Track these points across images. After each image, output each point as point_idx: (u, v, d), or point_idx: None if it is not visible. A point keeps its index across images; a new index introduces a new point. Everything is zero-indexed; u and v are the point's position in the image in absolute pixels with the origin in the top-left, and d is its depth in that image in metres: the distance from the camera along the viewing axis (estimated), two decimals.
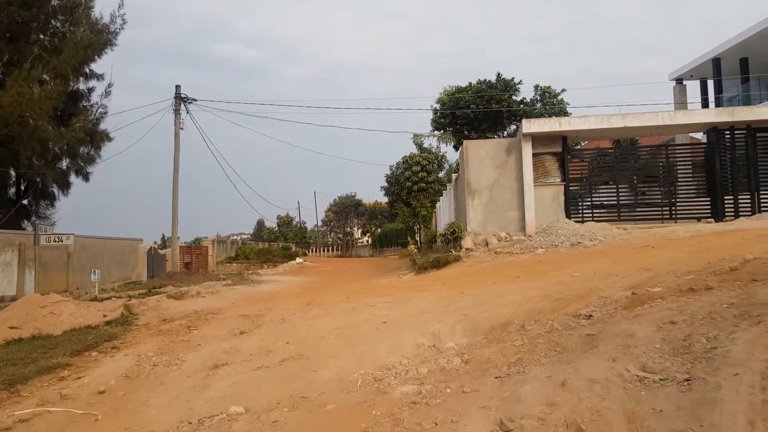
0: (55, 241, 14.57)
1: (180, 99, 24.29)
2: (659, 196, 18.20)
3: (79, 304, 10.55)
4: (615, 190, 18.02)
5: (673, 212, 17.63)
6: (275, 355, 6.20)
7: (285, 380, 5.23)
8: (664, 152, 18.84)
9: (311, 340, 6.68)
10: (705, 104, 26.61)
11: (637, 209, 18.07)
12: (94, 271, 15.07)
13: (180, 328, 9.05)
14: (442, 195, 29.99)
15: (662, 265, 7.85)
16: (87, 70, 22.64)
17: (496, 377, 4.34)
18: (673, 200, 17.83)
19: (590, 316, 5.54)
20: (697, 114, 17.92)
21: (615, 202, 17.89)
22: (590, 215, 17.53)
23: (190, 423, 4.43)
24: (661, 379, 3.55)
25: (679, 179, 18.16)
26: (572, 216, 17.16)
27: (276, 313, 9.44)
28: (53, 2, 20.42)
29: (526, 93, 32.05)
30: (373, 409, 4.17)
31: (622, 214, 17.65)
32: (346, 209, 57.32)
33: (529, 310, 6.47)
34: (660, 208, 17.82)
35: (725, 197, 17.03)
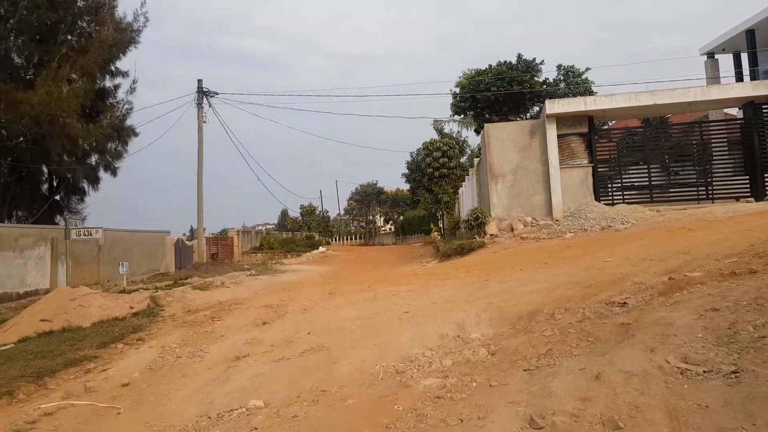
0: (84, 235, 14.90)
1: (202, 93, 24.47)
2: (693, 176, 17.53)
3: (107, 297, 10.68)
4: (646, 171, 17.39)
5: (710, 192, 16.94)
6: (296, 347, 6.09)
7: (305, 373, 5.11)
8: (698, 129, 18.08)
9: (332, 331, 6.54)
10: (739, 78, 25.52)
11: (671, 190, 17.42)
12: (122, 264, 15.32)
13: (204, 319, 9.05)
14: (464, 180, 29.61)
15: (700, 247, 7.43)
16: (113, 68, 23.29)
17: (525, 370, 4.13)
18: (709, 179, 17.10)
19: (624, 303, 5.24)
20: (732, 88, 17.10)
21: (647, 183, 17.27)
22: (621, 197, 17.01)
23: (210, 417, 4.35)
24: (705, 372, 3.29)
25: (714, 157, 17.43)
26: (602, 198, 16.67)
27: (298, 302, 9.35)
28: (79, 3, 20.85)
29: (548, 73, 31.61)
30: (395, 403, 4.01)
31: (654, 195, 17.07)
32: (368, 197, 57.19)
33: (558, 297, 6.18)
34: (695, 189, 17.17)
35: (765, 175, 16.32)
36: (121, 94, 24.03)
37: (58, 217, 22.25)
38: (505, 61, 30.33)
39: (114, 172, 23.68)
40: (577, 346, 4.37)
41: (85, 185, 23.78)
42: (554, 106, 16.71)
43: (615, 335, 4.32)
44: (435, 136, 35.86)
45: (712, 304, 4.30)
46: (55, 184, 22.86)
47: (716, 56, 27.10)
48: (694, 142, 17.83)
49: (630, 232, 12.64)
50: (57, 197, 23.03)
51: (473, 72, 31.10)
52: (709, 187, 17.03)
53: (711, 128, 18.10)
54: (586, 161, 16.86)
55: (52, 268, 15.23)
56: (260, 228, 64.20)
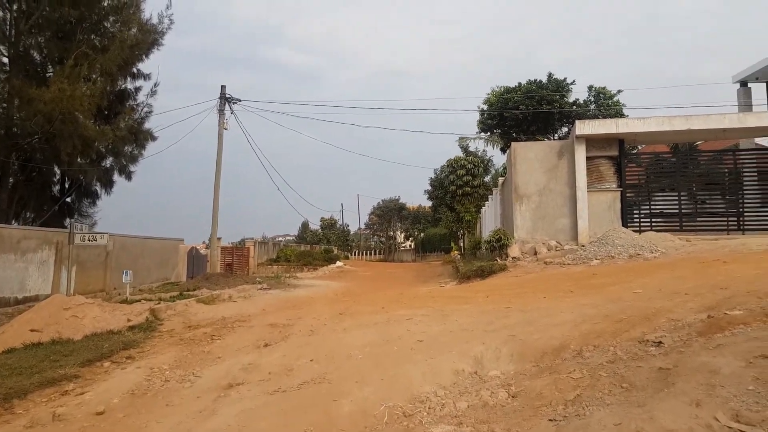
0: (89, 240, 14.47)
1: (225, 99, 24.04)
2: (722, 205, 16.74)
3: (104, 308, 10.18)
4: (676, 198, 16.66)
5: (741, 223, 16.19)
6: (295, 376, 5.56)
7: (300, 410, 4.56)
8: (731, 158, 17.28)
9: (337, 359, 6.00)
10: None
11: (698, 219, 16.67)
12: (126, 272, 14.78)
13: (203, 336, 8.56)
14: (487, 200, 29.03)
15: (739, 283, 6.81)
16: (134, 70, 22.98)
17: (550, 420, 3.58)
18: (741, 210, 16.34)
19: (660, 342, 4.67)
20: None
21: (676, 211, 16.54)
22: (648, 224, 16.28)
23: None
24: None
25: (745, 187, 16.64)
26: (629, 225, 15.97)
27: (306, 322, 8.84)
28: (104, 2, 20.66)
29: (579, 94, 30.88)
30: None
31: (684, 224, 16.31)
32: (389, 213, 56.93)
33: (586, 332, 5.60)
34: (725, 218, 16.40)
35: None
36: (141, 96, 23.81)
37: (68, 220, 21.94)
38: (536, 80, 29.80)
39: (129, 176, 23.37)
40: (609, 392, 3.84)
41: (98, 188, 23.46)
42: (584, 127, 16.14)
43: (653, 382, 3.82)
44: (460, 153, 35.43)
45: (761, 349, 3.81)
46: (66, 186, 22.60)
47: (749, 85, 26.27)
48: (725, 170, 17.06)
49: (660, 261, 11.94)
50: (68, 200, 22.75)
51: (502, 89, 30.60)
52: (741, 218, 16.29)
53: (743, 157, 17.28)
54: (614, 185, 16.20)
55: (55, 273, 14.82)
56: (280, 239, 64.06)
